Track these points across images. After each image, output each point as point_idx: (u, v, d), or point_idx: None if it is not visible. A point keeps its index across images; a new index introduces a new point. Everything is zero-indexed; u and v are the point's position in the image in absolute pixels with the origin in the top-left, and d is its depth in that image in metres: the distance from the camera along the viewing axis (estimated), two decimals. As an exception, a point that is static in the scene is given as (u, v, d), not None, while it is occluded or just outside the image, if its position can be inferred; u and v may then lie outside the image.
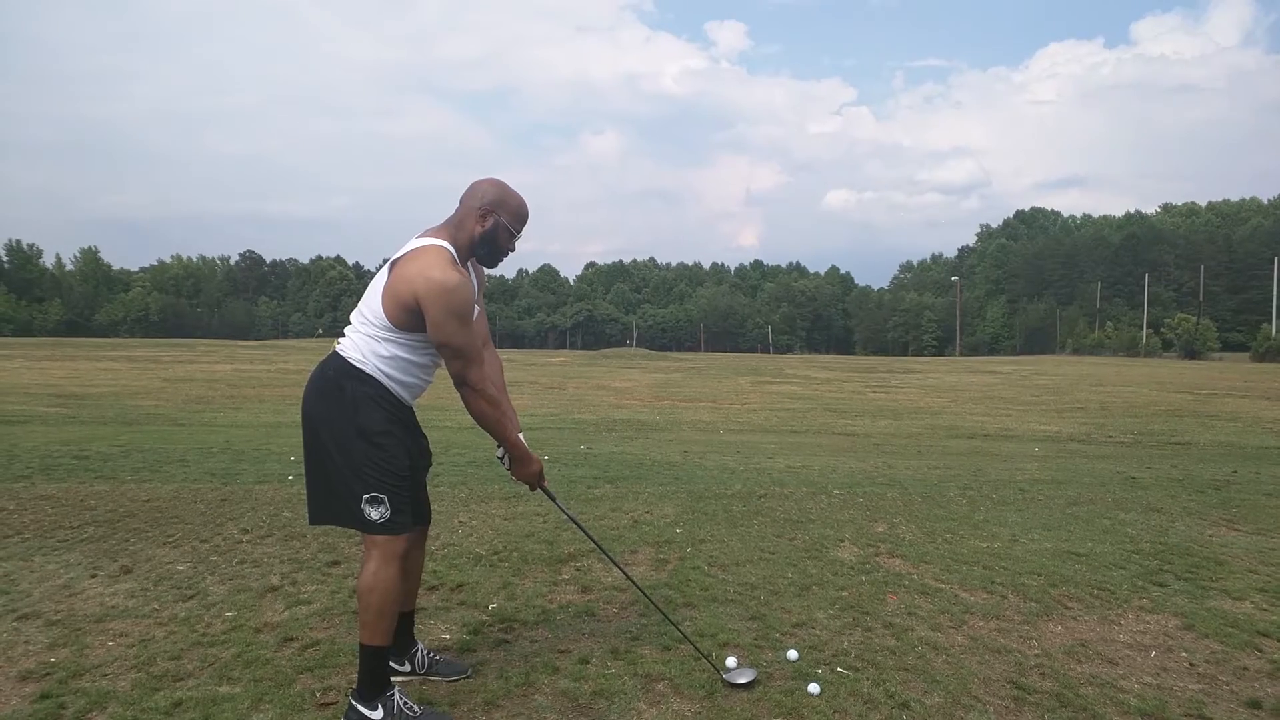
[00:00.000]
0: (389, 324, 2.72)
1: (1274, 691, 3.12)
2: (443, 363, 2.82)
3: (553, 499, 3.15)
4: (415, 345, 2.77)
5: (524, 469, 2.97)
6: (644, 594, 3.49)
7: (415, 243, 2.76)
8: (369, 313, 2.75)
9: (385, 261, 2.89)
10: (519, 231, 2.89)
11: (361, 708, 2.67)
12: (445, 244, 2.75)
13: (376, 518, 2.72)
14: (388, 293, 2.70)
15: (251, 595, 3.88)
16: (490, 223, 2.81)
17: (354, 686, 2.78)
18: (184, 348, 47.69)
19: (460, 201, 2.86)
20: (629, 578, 3.44)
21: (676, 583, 4.20)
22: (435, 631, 3.50)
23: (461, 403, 2.82)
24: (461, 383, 2.77)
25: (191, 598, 3.83)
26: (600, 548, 3.35)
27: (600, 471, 7.84)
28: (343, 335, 2.84)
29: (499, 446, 2.95)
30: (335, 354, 2.81)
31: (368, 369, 2.76)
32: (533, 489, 3.03)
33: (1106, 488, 7.67)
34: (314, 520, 2.89)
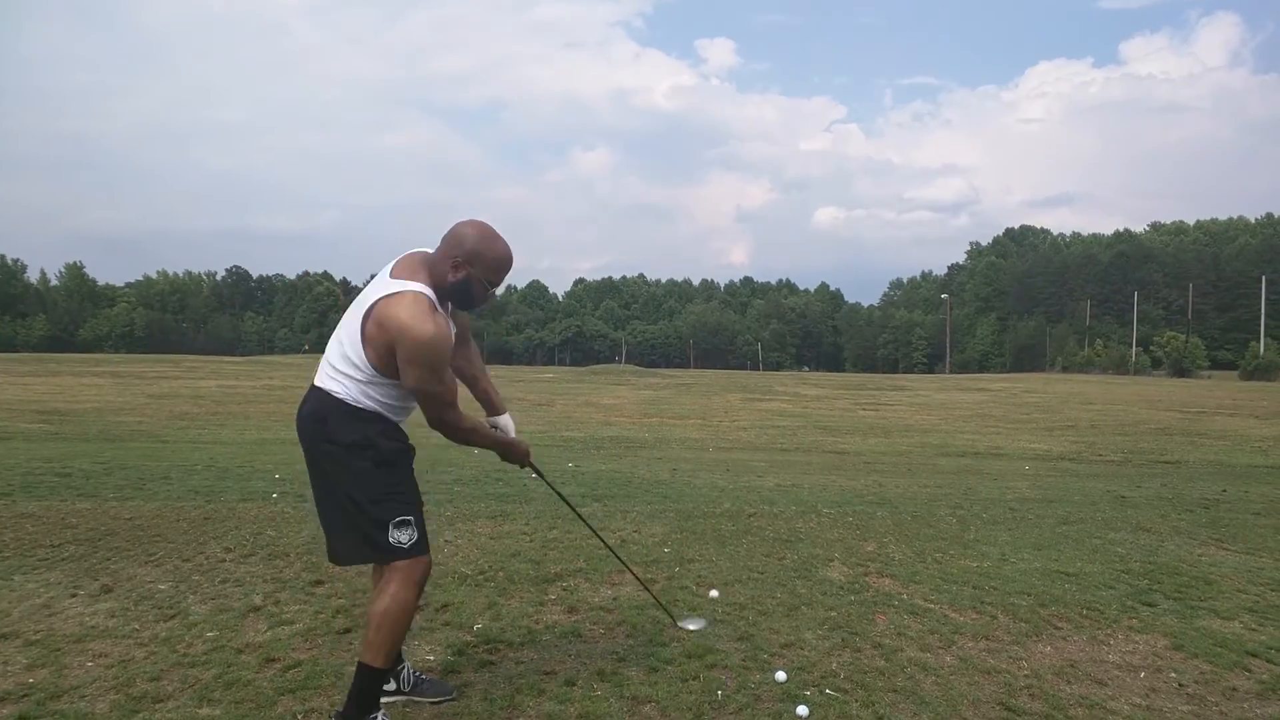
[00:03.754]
0: (376, 372, 2.70)
1: (1263, 712, 3.11)
2: None
3: (541, 476, 3.47)
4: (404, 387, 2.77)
5: (513, 457, 3.19)
6: (625, 564, 4.15)
7: (395, 285, 2.69)
8: (355, 358, 2.70)
9: (369, 281, 2.86)
10: (497, 283, 2.83)
11: None
12: (424, 290, 2.68)
13: (405, 540, 2.75)
14: (368, 344, 2.67)
15: (233, 615, 3.83)
16: (462, 275, 2.75)
17: (338, 709, 2.73)
18: (169, 363, 47.36)
19: (442, 240, 2.79)
20: (606, 544, 4.10)
21: (664, 602, 4.16)
22: (420, 652, 3.46)
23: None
24: (439, 425, 2.78)
25: (173, 617, 3.78)
26: (586, 522, 3.93)
27: (588, 490, 7.80)
28: (329, 367, 2.77)
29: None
30: (331, 397, 2.75)
31: (370, 407, 2.75)
32: (522, 467, 3.25)
33: (1096, 507, 7.67)
34: (342, 561, 2.94)
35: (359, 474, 2.75)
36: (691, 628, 3.72)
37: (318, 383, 2.79)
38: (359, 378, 2.72)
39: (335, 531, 2.86)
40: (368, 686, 2.72)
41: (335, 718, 2.71)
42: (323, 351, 2.87)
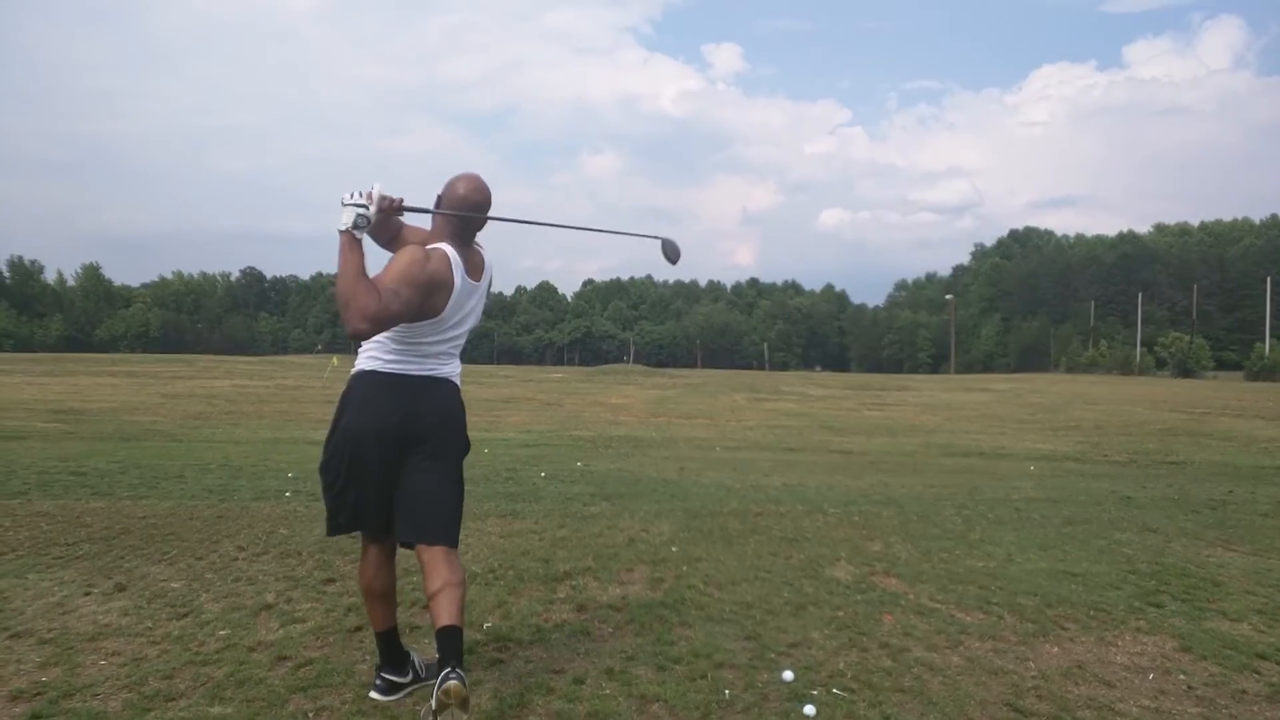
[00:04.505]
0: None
1: (1273, 715, 3.11)
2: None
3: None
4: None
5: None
6: None
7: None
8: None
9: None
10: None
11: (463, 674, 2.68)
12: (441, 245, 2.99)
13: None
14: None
15: (246, 613, 3.86)
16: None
17: (453, 666, 2.68)
18: (184, 363, 47.54)
19: None
20: None
21: (672, 601, 4.19)
22: (430, 650, 3.47)
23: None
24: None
25: (185, 616, 3.81)
26: None
27: (597, 488, 7.83)
28: (453, 360, 3.07)
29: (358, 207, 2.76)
30: (456, 384, 3.07)
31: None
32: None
33: (1102, 507, 7.67)
34: (442, 541, 2.97)
35: (460, 464, 3.08)
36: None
37: (442, 374, 3.02)
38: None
39: (430, 519, 2.95)
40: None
41: (458, 667, 2.68)
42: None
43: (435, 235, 3.01)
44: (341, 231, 2.70)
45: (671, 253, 3.42)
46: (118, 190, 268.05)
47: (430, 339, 2.93)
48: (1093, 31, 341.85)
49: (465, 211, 2.97)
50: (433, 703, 2.58)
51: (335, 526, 3.03)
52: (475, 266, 3.03)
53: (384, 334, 2.92)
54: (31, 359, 51.44)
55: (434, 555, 2.90)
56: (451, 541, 2.96)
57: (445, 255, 2.89)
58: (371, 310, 2.62)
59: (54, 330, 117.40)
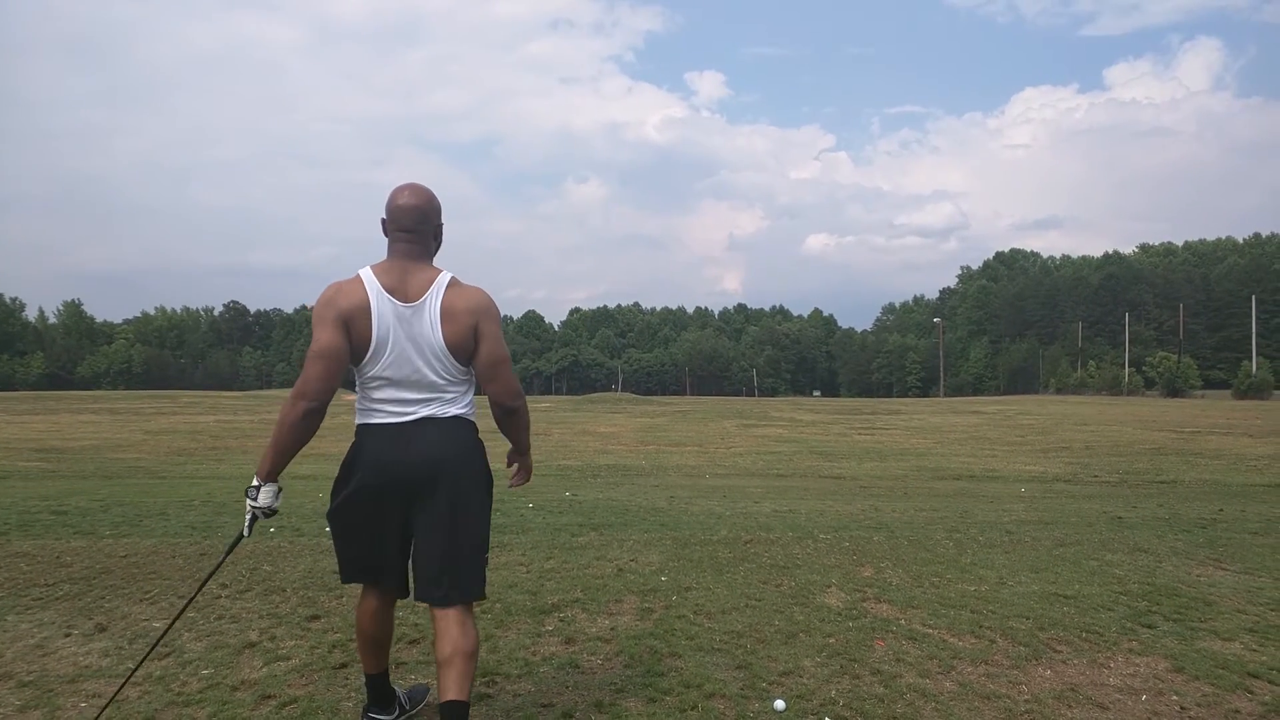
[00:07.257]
0: (467, 375, 2.83)
1: (1265, 734, 3.09)
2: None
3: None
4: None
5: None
6: None
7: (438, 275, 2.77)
8: (455, 370, 2.76)
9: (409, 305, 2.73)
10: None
11: None
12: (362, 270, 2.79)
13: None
14: (457, 345, 2.73)
15: (229, 652, 3.80)
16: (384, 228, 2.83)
17: None
18: (166, 399, 47.34)
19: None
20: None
21: (662, 632, 4.14)
22: (412, 681, 3.43)
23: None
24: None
25: (167, 656, 3.75)
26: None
27: (585, 518, 7.77)
28: (439, 395, 2.77)
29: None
30: (469, 421, 2.84)
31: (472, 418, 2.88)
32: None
33: (1093, 528, 7.66)
34: (443, 603, 2.74)
35: (485, 505, 2.86)
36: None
37: (446, 413, 2.77)
38: (467, 391, 2.85)
39: (451, 563, 2.75)
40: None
41: None
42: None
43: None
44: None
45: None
46: (100, 226, 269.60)
47: (384, 378, 2.72)
48: (1073, 55, 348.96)
49: (400, 218, 2.78)
50: None
51: (349, 575, 2.90)
52: (414, 286, 2.72)
53: (359, 386, 2.79)
54: (12, 397, 51.12)
55: (445, 616, 2.71)
56: (465, 599, 2.75)
57: (356, 278, 2.70)
58: (302, 387, 2.62)
59: (35, 368, 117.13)
